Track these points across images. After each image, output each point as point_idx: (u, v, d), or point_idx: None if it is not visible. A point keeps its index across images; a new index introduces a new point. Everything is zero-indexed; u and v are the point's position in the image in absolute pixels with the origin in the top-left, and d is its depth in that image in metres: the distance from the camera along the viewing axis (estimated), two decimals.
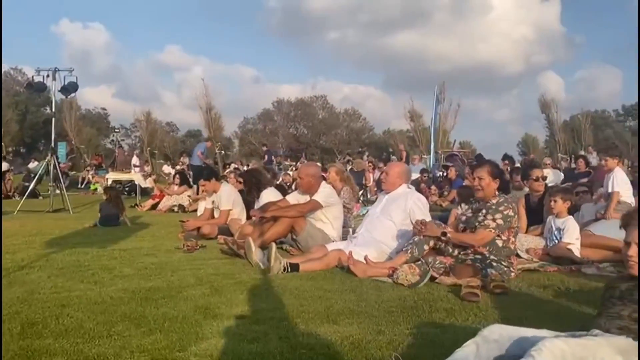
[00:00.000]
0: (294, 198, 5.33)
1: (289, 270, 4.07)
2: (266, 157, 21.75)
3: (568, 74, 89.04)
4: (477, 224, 3.95)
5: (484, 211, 3.97)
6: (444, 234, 3.97)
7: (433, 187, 12.13)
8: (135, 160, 17.90)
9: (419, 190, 7.64)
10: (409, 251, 4.06)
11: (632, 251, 2.09)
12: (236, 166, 18.43)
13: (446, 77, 56.36)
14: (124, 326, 2.69)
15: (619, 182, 6.00)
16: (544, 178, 5.99)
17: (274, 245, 4.22)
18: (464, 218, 4.18)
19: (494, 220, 3.86)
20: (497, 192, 4.07)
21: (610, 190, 6.02)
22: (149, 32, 76.11)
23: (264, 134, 47.16)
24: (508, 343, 1.89)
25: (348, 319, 2.87)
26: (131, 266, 4.35)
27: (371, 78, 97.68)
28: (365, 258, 4.03)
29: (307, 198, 5.15)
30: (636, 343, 1.83)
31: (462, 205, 4.20)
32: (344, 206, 6.13)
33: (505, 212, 3.88)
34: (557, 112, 36.10)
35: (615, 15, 73.54)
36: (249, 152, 43.34)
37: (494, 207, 3.92)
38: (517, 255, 4.67)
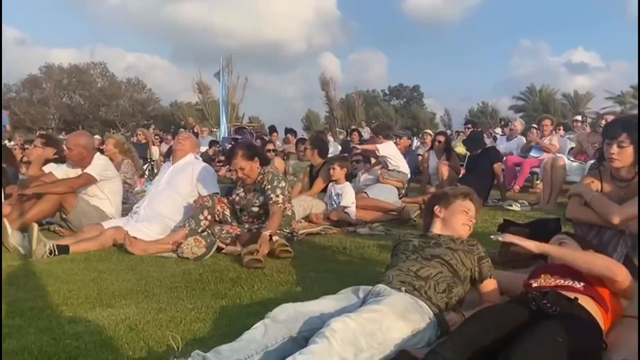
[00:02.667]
0: (61, 172, 4.67)
1: (57, 253, 3.56)
2: None
3: (344, 56, 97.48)
4: (256, 205, 3.99)
5: (259, 193, 4.00)
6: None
7: (223, 160, 12.04)
8: None
9: (209, 162, 7.45)
10: (186, 224, 3.90)
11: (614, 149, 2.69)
12: None
13: (235, 51, 56.62)
14: None
15: (391, 155, 6.72)
16: None
17: (35, 226, 3.63)
18: (237, 198, 4.13)
19: (277, 196, 3.90)
20: (261, 169, 4.06)
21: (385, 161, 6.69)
22: None
23: (30, 103, 41.25)
24: (296, 322, 1.87)
25: (125, 300, 2.60)
26: None
27: (158, 48, 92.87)
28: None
29: (78, 172, 4.56)
30: (413, 300, 1.98)
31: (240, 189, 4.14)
32: (125, 181, 5.63)
33: (280, 185, 3.95)
34: (335, 91, 39.07)
35: (384, 5, 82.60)
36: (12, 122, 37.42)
37: (269, 185, 3.94)
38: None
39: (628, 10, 73.55)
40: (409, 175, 6.71)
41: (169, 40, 75.42)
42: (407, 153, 8.00)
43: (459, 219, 2.49)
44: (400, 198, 5.95)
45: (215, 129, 21.49)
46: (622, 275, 2.05)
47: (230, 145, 12.51)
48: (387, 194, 5.52)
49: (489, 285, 2.28)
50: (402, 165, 6.22)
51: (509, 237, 2.25)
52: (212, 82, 29.24)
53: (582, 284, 2.02)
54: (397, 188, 5.88)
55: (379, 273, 2.34)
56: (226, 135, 17.77)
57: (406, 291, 2.02)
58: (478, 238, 4.07)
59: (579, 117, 11.87)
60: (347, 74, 65.19)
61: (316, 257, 3.63)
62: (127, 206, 5.09)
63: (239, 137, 14.67)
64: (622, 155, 2.72)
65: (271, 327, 1.85)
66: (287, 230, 4.00)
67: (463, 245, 2.32)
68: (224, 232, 3.84)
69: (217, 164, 11.05)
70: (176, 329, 2.19)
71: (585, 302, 1.93)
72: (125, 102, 45.73)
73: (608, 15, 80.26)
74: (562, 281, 2.06)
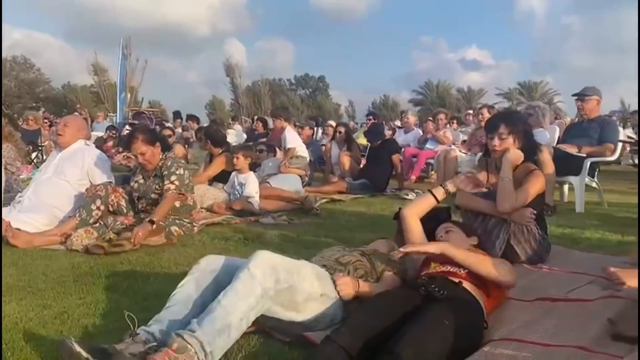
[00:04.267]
0: None
1: None
2: None
3: (250, 42, 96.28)
4: (155, 192, 3.84)
5: (159, 179, 3.85)
6: None
7: (119, 147, 11.44)
8: None
9: (102, 149, 7.04)
10: (76, 215, 3.67)
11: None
12: None
13: (134, 32, 53.66)
14: None
15: (291, 139, 6.75)
16: None
17: None
18: (136, 185, 3.95)
19: (171, 182, 3.77)
20: (162, 154, 3.93)
21: (287, 147, 6.78)
22: None
23: None
24: (225, 271, 1.92)
25: (4, 298, 2.39)
26: None
27: (50, 25, 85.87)
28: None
29: None
30: (327, 273, 2.09)
31: (139, 176, 3.96)
32: (5, 167, 5.17)
33: (177, 172, 3.82)
34: (240, 78, 38.52)
35: None
36: None
37: (167, 171, 3.82)
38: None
39: (515, 13, 79.39)
40: (308, 159, 6.83)
41: (63, 17, 69.97)
42: (310, 143, 8.09)
43: None
44: (303, 186, 6.03)
45: (112, 114, 20.33)
46: (508, 281, 2.18)
47: (127, 131, 11.92)
48: (290, 183, 5.56)
49: None
50: (300, 149, 6.37)
51: (409, 248, 2.30)
52: (109, 64, 27.59)
53: (466, 270, 2.16)
54: (300, 176, 5.94)
55: None
56: (123, 119, 16.90)
57: (326, 269, 2.14)
58: (376, 225, 4.31)
59: (471, 111, 12.63)
60: (253, 61, 64.76)
61: (218, 248, 3.57)
62: (10, 195, 4.67)
63: (136, 122, 14.02)
64: (503, 146, 2.95)
65: (202, 279, 1.90)
66: (187, 220, 3.89)
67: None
68: (117, 223, 3.66)
69: (113, 150, 10.50)
70: (62, 325, 2.05)
71: (469, 286, 2.08)
72: (11, 81, 41.85)
73: (498, 16, 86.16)
74: (450, 268, 2.20)
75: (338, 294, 2.05)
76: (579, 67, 70.72)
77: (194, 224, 3.98)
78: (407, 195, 6.05)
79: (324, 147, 8.45)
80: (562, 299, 2.30)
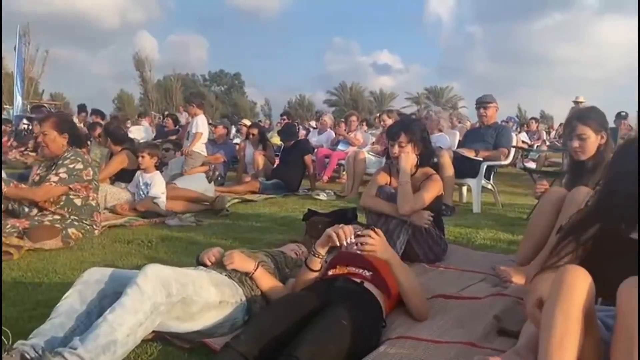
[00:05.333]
0: None
1: None
2: None
3: (162, 36, 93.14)
4: None
5: (53, 167, 3.63)
6: None
7: (15, 142, 10.62)
8: None
9: None
10: None
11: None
12: None
13: (33, 19, 50.01)
14: None
15: (202, 124, 6.74)
16: None
17: None
18: (37, 178, 3.71)
19: (57, 174, 3.56)
20: (67, 146, 3.72)
21: (194, 131, 6.71)
22: None
23: None
24: (110, 282, 1.84)
25: None
26: None
27: None
28: None
29: None
30: (231, 281, 2.07)
31: (42, 169, 3.72)
32: None
33: (71, 166, 3.60)
34: (150, 72, 37.04)
35: None
36: None
37: (60, 161, 3.62)
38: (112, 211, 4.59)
39: (423, 20, 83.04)
40: (204, 153, 6.77)
41: None
42: (224, 142, 7.97)
43: None
44: (215, 186, 5.92)
45: (8, 106, 18.78)
46: (421, 314, 2.20)
47: (25, 125, 11.09)
48: (196, 183, 5.43)
49: None
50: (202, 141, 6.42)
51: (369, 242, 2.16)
52: (5, 52, 25.45)
53: (370, 272, 2.23)
54: (205, 172, 5.84)
55: (188, 265, 2.31)
56: (20, 113, 15.68)
57: (226, 275, 2.10)
58: (286, 226, 4.33)
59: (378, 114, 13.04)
60: (164, 55, 62.58)
61: (118, 252, 3.42)
62: None
63: (33, 115, 13.07)
64: (402, 153, 3.10)
65: (86, 291, 1.81)
66: (87, 222, 3.69)
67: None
68: (8, 225, 3.39)
69: (8, 145, 9.74)
70: None
71: (371, 286, 2.14)
72: None
73: (408, 23, 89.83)
74: (354, 269, 2.26)
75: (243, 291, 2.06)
76: (481, 74, 75.47)
77: (95, 226, 3.79)
78: (319, 195, 6.13)
79: (237, 146, 8.37)
80: (456, 297, 2.43)
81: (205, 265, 2.26)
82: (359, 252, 2.11)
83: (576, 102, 10.85)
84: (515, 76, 78.89)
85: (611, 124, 8.82)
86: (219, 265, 2.21)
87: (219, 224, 4.49)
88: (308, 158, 6.89)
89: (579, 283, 1.40)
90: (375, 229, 2.18)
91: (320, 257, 2.23)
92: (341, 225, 2.19)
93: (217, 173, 6.12)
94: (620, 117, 9.39)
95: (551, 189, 2.93)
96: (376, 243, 2.09)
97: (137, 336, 1.66)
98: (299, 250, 2.72)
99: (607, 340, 1.43)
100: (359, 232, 2.15)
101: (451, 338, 1.97)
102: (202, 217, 4.65)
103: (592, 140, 2.80)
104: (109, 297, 1.78)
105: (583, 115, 2.89)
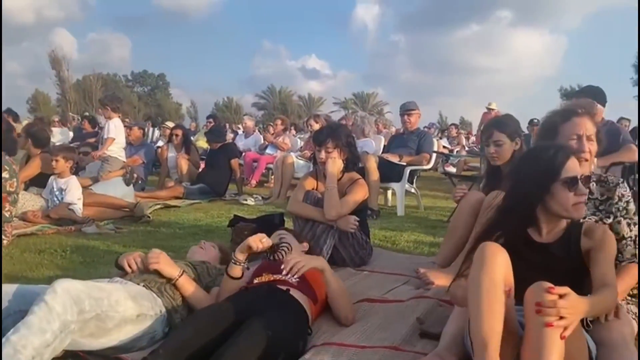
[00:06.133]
0: None
1: None
2: None
3: (81, 34, 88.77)
4: None
5: None
6: None
7: None
8: None
9: None
10: None
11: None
12: None
13: None
14: None
15: (113, 129, 6.51)
16: None
17: None
18: None
19: None
20: None
21: (106, 136, 6.50)
22: None
23: None
24: (14, 300, 1.72)
25: None
26: None
27: None
28: None
29: None
30: (149, 292, 1.99)
31: None
32: None
33: None
34: (68, 71, 35.20)
35: None
36: None
37: None
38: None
39: (350, 27, 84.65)
40: (122, 158, 6.55)
41: None
42: (142, 144, 7.66)
43: None
44: (136, 191, 5.69)
45: None
46: (348, 318, 2.23)
47: None
48: (114, 188, 5.19)
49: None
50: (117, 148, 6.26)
51: (293, 262, 2.14)
52: None
53: (296, 279, 2.21)
54: (122, 175, 5.61)
55: (106, 276, 2.19)
56: None
57: (144, 286, 2.02)
58: (211, 232, 4.22)
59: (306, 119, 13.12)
60: (84, 55, 59.60)
61: (28, 263, 3.18)
62: None
63: None
64: (328, 158, 3.12)
65: None
66: None
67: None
68: None
69: None
70: None
71: (297, 294, 2.12)
72: None
73: (336, 29, 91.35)
74: (279, 276, 2.23)
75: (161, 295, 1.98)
76: (404, 82, 78.12)
77: (4, 236, 3.51)
78: (246, 200, 6.05)
79: (159, 149, 8.09)
80: (380, 300, 2.47)
81: (124, 271, 2.16)
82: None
83: (489, 109, 11.45)
84: (436, 84, 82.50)
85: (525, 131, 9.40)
86: (139, 274, 2.12)
87: (140, 231, 4.31)
88: (235, 162, 6.79)
89: (498, 255, 1.52)
90: (285, 247, 2.19)
91: (240, 264, 2.18)
92: (261, 235, 2.17)
93: (135, 176, 5.88)
94: (532, 124, 9.96)
95: (469, 193, 3.04)
96: (299, 260, 2.09)
97: (43, 358, 1.54)
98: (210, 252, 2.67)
99: (520, 335, 1.51)
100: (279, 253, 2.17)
101: (375, 342, 1.98)
102: (121, 225, 4.45)
103: (508, 147, 2.94)
104: (12, 315, 1.65)
105: (499, 123, 3.03)
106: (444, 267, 2.90)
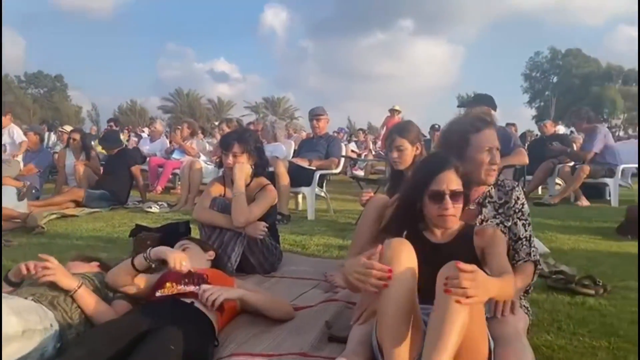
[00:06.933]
0: None
1: None
2: None
3: None
4: None
5: None
6: None
7: None
8: None
9: None
10: None
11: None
12: None
13: None
14: None
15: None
16: None
17: None
18: None
19: None
20: None
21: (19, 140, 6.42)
22: None
23: None
24: None
25: None
26: None
27: None
28: None
29: None
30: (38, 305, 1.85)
31: None
32: None
33: None
34: None
35: None
36: None
37: None
38: None
39: (259, 31, 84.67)
40: (21, 166, 6.12)
41: None
42: (39, 150, 7.12)
43: None
44: (21, 199, 5.24)
45: None
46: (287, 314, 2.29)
47: None
48: (5, 198, 4.77)
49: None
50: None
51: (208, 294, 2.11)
52: None
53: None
54: (17, 187, 5.15)
55: None
56: None
57: (32, 300, 1.88)
58: (112, 243, 4.00)
59: (217, 123, 12.90)
60: None
61: None
62: None
63: None
64: (236, 163, 3.07)
65: None
66: None
67: None
68: None
69: None
70: None
71: (201, 305, 2.05)
72: None
73: (244, 33, 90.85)
74: (185, 287, 2.14)
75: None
76: (314, 87, 79.31)
77: None
78: (151, 207, 5.80)
79: (56, 155, 7.56)
80: None
81: (16, 286, 2.00)
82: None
83: (392, 111, 11.90)
84: (345, 89, 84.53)
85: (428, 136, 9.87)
86: (28, 287, 1.95)
87: (33, 243, 3.99)
88: (135, 169, 6.45)
89: (404, 249, 1.60)
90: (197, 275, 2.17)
91: (151, 263, 2.11)
92: (183, 256, 2.11)
93: (31, 187, 5.44)
94: (433, 129, 10.48)
95: (375, 196, 3.12)
96: (213, 292, 2.05)
97: None
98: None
99: (424, 331, 1.56)
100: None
101: (284, 350, 1.96)
102: (11, 237, 4.09)
103: (409, 152, 3.05)
104: None
105: (401, 129, 3.14)
106: None
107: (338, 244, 4.04)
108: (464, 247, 1.82)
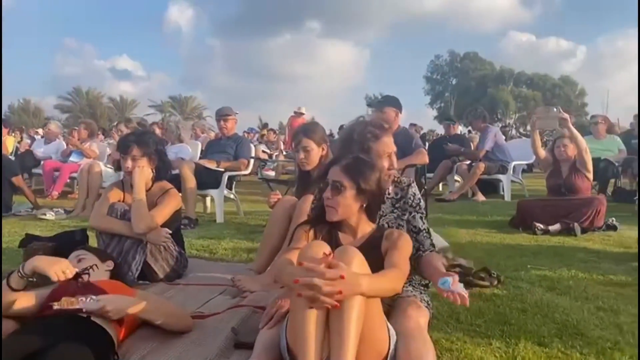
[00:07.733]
0: None
1: None
2: None
3: None
4: None
5: None
6: None
7: None
8: None
9: None
10: None
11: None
12: None
13: None
14: None
15: None
16: None
17: None
18: None
19: None
20: None
21: None
22: None
23: None
24: None
25: None
26: None
27: None
28: None
29: None
30: None
31: None
32: None
33: None
34: None
35: None
36: None
37: None
38: None
39: (163, 28, 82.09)
40: None
41: None
42: None
43: None
44: None
45: None
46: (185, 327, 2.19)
47: None
48: None
49: None
50: None
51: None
52: None
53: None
54: None
55: None
56: None
57: None
58: (5, 254, 3.66)
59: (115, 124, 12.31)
60: None
61: None
62: None
63: None
64: (135, 167, 2.93)
65: None
66: None
67: None
68: None
69: None
70: None
71: (99, 319, 1.93)
72: None
73: (148, 30, 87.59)
74: (79, 300, 2.00)
75: None
76: (222, 86, 78.18)
77: None
78: (45, 214, 5.40)
79: None
80: (195, 316, 2.36)
81: None
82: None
83: (297, 113, 12.00)
84: (255, 89, 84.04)
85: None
86: None
87: None
88: (17, 179, 5.79)
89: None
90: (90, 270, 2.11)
91: (27, 277, 1.93)
92: (65, 264, 1.96)
93: None
94: (342, 129, 10.69)
95: (283, 198, 3.12)
96: (108, 309, 1.90)
97: None
98: None
99: None
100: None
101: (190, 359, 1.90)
102: None
103: (315, 152, 3.08)
104: None
105: (307, 130, 3.16)
106: (261, 272, 2.93)
107: (248, 247, 3.99)
108: (372, 251, 1.85)
